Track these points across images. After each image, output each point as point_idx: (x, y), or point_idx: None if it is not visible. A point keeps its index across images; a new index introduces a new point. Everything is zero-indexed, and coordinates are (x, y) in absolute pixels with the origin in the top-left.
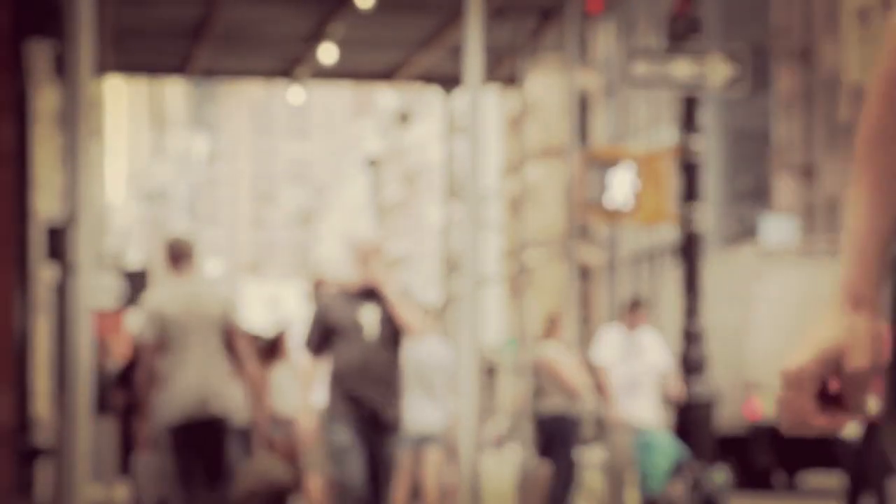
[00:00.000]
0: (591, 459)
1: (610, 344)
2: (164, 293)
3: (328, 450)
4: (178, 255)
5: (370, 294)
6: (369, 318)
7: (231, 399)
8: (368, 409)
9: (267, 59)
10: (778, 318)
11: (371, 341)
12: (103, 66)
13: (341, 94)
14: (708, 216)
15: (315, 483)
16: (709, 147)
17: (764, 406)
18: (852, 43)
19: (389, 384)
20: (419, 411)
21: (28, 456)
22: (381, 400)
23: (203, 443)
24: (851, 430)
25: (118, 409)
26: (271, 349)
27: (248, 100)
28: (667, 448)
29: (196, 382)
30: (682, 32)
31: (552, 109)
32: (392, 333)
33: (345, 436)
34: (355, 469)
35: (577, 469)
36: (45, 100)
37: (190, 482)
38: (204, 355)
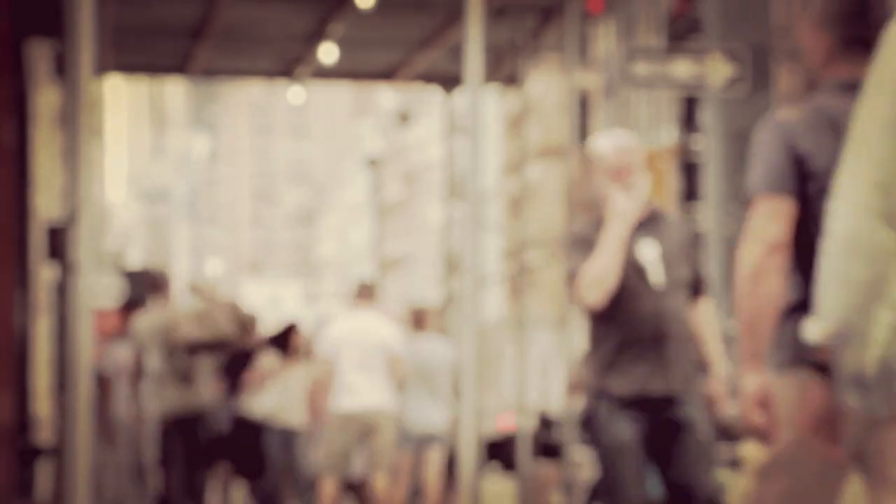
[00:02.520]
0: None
1: None
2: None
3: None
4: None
5: (650, 223)
6: (650, 255)
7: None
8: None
9: (267, 59)
10: None
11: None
12: (103, 66)
13: (341, 94)
14: (708, 216)
15: (327, 486)
16: (709, 147)
17: None
18: None
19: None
20: (421, 411)
21: (28, 456)
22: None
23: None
24: None
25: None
26: (284, 344)
27: (248, 100)
28: None
29: None
30: (682, 32)
31: (552, 109)
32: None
33: (626, 428)
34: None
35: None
36: (45, 100)
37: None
38: None
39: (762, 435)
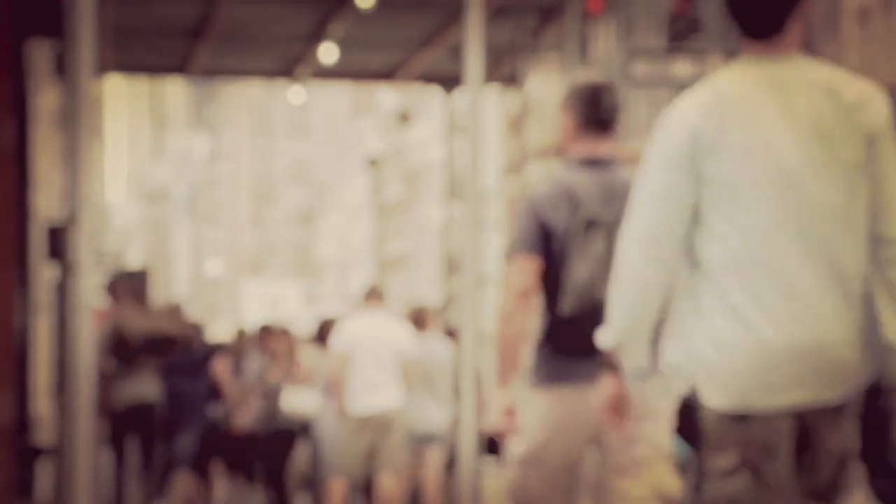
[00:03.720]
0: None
1: None
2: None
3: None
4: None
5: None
6: None
7: None
8: None
9: (267, 59)
10: None
11: None
12: (103, 66)
13: (341, 94)
14: None
15: (338, 487)
16: None
17: None
18: (852, 43)
19: None
20: (422, 410)
21: (28, 456)
22: None
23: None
24: None
25: None
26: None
27: (248, 100)
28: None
29: None
30: (682, 32)
31: (552, 109)
32: None
33: None
34: None
35: None
36: (45, 100)
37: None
38: None
39: (505, 435)
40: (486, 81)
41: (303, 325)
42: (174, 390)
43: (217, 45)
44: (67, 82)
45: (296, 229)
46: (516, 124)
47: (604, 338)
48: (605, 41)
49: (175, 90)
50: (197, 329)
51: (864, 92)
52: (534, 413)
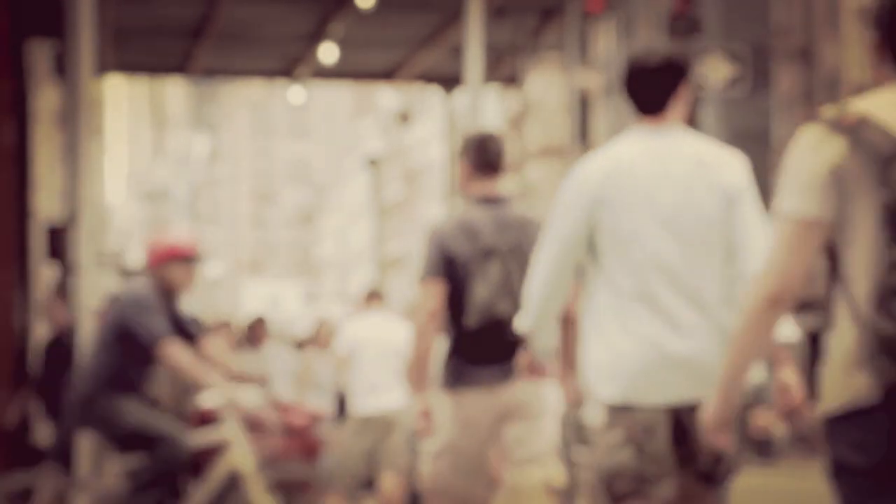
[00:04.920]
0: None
1: None
2: None
3: None
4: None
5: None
6: None
7: None
8: None
9: (267, 59)
10: None
11: None
12: (103, 66)
13: (341, 93)
14: None
15: (390, 482)
16: None
17: None
18: (852, 43)
19: None
20: None
21: (28, 456)
22: None
23: None
24: None
25: None
26: None
27: (248, 100)
28: None
29: None
30: (682, 32)
31: (552, 109)
32: None
33: None
34: None
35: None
36: (45, 100)
37: None
38: None
39: (424, 433)
40: (486, 81)
41: (302, 326)
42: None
43: (217, 45)
44: (67, 82)
45: (296, 229)
46: (516, 124)
47: (520, 324)
48: (605, 41)
49: (175, 90)
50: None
51: (723, 158)
52: (445, 413)
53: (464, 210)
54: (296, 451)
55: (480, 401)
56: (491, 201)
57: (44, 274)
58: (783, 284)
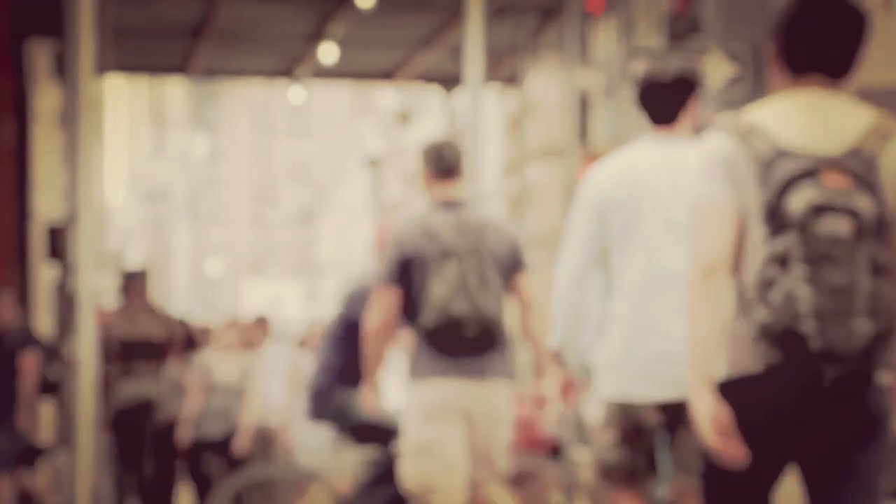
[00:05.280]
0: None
1: None
2: None
3: None
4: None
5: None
6: None
7: None
8: None
9: (267, 59)
10: None
11: None
12: (104, 66)
13: (341, 93)
14: None
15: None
16: None
17: None
18: None
19: None
20: None
21: (28, 456)
22: None
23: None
24: None
25: None
26: None
27: (248, 100)
28: None
29: None
30: (682, 32)
31: (552, 109)
32: None
33: None
34: None
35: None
36: (45, 100)
37: None
38: None
39: (369, 404)
40: (486, 81)
41: (302, 326)
42: None
43: (217, 45)
44: (67, 82)
45: (296, 229)
46: (516, 124)
47: (548, 343)
48: (605, 41)
49: (175, 90)
50: (185, 330)
51: None
52: (414, 400)
53: (425, 213)
54: (524, 442)
55: (443, 392)
56: (450, 205)
57: (44, 274)
58: (710, 256)
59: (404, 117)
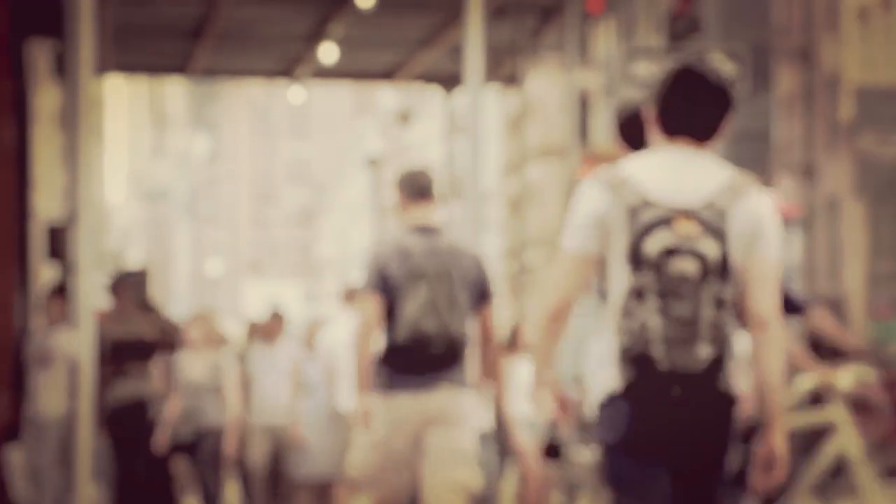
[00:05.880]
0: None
1: None
2: None
3: None
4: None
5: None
6: None
7: None
8: None
9: (267, 59)
10: None
11: None
12: (104, 66)
13: (341, 93)
14: None
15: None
16: None
17: None
18: (852, 43)
19: None
20: None
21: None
22: None
23: None
24: None
25: None
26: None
27: (248, 100)
28: None
29: None
30: (682, 32)
31: (552, 109)
32: None
33: None
34: None
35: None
36: (45, 100)
37: None
38: None
39: (362, 428)
40: (486, 81)
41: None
42: None
43: (217, 45)
44: (68, 82)
45: (296, 229)
46: (516, 124)
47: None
48: (605, 41)
49: (175, 90)
50: (177, 331)
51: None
52: (378, 413)
53: (399, 235)
54: None
55: (407, 405)
56: (423, 229)
57: (44, 274)
58: (561, 302)
59: (404, 117)
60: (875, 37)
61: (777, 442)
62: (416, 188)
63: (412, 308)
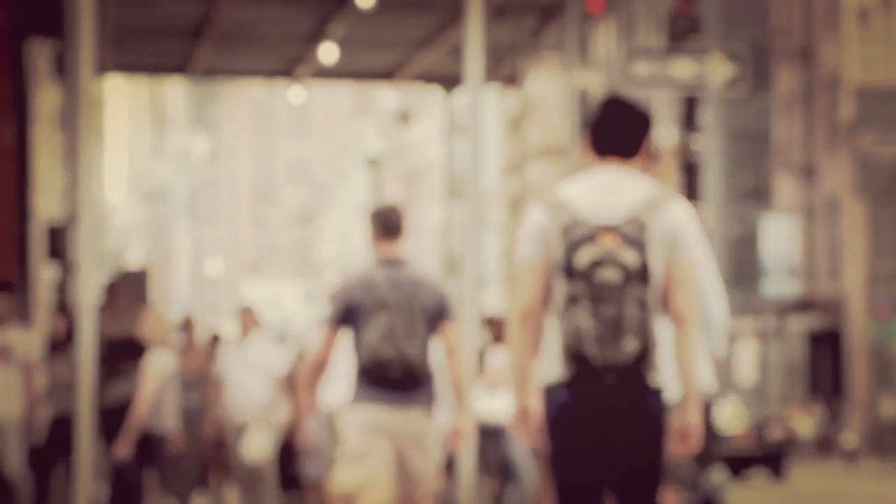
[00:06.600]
0: None
1: None
2: None
3: None
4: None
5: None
6: None
7: None
8: None
9: (267, 59)
10: None
11: None
12: (104, 66)
13: (341, 93)
14: (708, 216)
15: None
16: (709, 147)
17: None
18: (852, 43)
19: None
20: None
21: (28, 455)
22: None
23: None
24: None
25: None
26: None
27: (248, 100)
28: None
29: None
30: (682, 32)
31: (552, 109)
32: None
33: None
34: None
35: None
36: (45, 100)
37: None
38: None
39: (305, 445)
40: (486, 81)
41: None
42: None
43: (217, 45)
44: (67, 82)
45: (296, 229)
46: (516, 124)
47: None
48: (605, 41)
49: (175, 90)
50: (170, 331)
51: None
52: (351, 419)
53: (367, 268)
54: None
55: (374, 416)
56: (390, 262)
57: (44, 274)
58: (526, 304)
59: (404, 117)
60: (875, 37)
61: (692, 416)
62: (387, 226)
63: (372, 336)
